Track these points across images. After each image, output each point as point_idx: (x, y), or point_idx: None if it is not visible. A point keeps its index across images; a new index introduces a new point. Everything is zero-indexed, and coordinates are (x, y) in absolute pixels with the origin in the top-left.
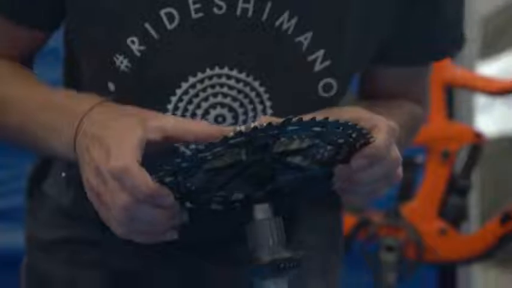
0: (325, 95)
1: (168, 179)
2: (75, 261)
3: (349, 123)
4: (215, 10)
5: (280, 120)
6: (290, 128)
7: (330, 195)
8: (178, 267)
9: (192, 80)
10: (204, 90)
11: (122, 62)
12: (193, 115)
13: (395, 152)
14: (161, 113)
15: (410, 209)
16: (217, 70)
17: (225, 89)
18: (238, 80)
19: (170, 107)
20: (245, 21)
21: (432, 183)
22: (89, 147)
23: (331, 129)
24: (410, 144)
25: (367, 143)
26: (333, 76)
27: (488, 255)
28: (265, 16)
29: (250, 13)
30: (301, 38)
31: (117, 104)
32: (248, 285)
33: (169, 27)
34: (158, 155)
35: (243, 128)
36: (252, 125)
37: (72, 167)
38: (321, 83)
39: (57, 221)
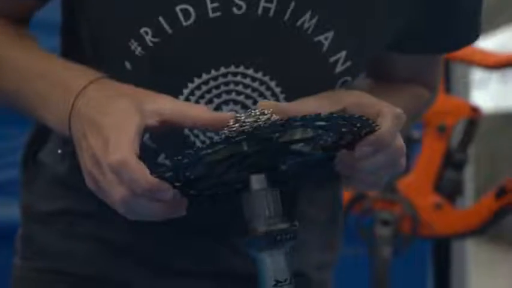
0: (339, 88)
1: (167, 174)
2: (71, 234)
3: (354, 116)
4: (234, 10)
5: (281, 106)
6: (294, 124)
7: (330, 172)
8: (176, 243)
9: (205, 76)
10: (217, 87)
11: (136, 48)
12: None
13: (400, 141)
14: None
15: (406, 184)
16: (232, 68)
17: (239, 87)
18: (254, 79)
19: (182, 98)
20: (266, 20)
21: (428, 157)
22: (86, 134)
23: (335, 122)
24: (411, 125)
25: (372, 130)
26: (352, 75)
27: (483, 229)
28: (287, 16)
29: (271, 13)
30: (321, 38)
31: (113, 81)
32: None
33: (184, 23)
34: (167, 137)
35: (242, 116)
36: (253, 112)
37: (68, 144)
38: (339, 82)
39: (53, 191)
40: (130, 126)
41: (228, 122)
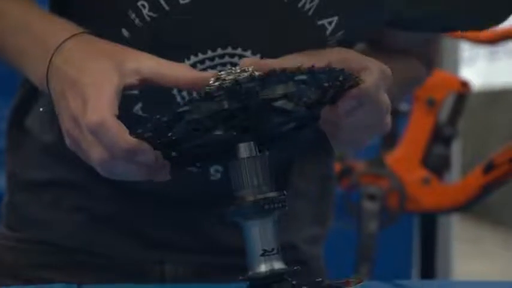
0: None
1: (147, 135)
2: (58, 205)
3: (335, 69)
4: None
5: (262, 62)
6: (274, 78)
7: (320, 142)
8: (160, 214)
9: (201, 55)
10: (213, 67)
11: (135, 19)
12: None
13: (385, 97)
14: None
15: (393, 158)
16: (229, 50)
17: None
18: None
19: None
20: (265, 1)
21: (416, 132)
22: (65, 94)
23: (317, 76)
24: (402, 97)
25: (355, 84)
26: (345, 46)
27: (470, 204)
28: None
29: None
30: (324, 22)
31: (93, 37)
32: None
33: (181, 1)
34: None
35: (223, 74)
36: (233, 70)
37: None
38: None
39: (40, 160)
40: (109, 86)
41: (209, 80)
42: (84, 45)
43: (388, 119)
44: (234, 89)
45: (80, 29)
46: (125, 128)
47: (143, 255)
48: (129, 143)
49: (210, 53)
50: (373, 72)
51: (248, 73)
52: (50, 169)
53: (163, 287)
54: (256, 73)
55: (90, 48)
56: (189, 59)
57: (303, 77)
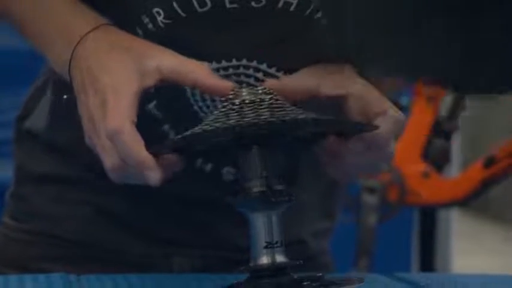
0: None
1: (165, 151)
2: (63, 199)
3: (355, 123)
4: (253, 3)
5: (283, 86)
6: (293, 125)
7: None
8: (166, 211)
9: (215, 65)
10: (227, 77)
11: (148, 24)
12: (213, 100)
13: (393, 147)
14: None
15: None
16: (244, 62)
17: (251, 80)
18: (266, 74)
19: None
20: (286, 14)
21: (417, 125)
22: (86, 89)
23: (335, 126)
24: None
25: (369, 130)
26: None
27: (470, 199)
28: (308, 10)
29: (293, 7)
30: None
31: (115, 29)
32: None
33: (199, 10)
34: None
35: (244, 92)
36: (254, 90)
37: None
38: None
39: (44, 156)
40: (129, 90)
41: (228, 94)
42: (107, 38)
43: (386, 164)
44: (255, 128)
45: (104, 20)
46: (140, 138)
47: (149, 250)
48: (141, 157)
49: (224, 63)
50: (389, 120)
51: (269, 97)
52: (54, 164)
53: (163, 277)
54: (277, 98)
55: (113, 42)
56: None
57: (321, 128)
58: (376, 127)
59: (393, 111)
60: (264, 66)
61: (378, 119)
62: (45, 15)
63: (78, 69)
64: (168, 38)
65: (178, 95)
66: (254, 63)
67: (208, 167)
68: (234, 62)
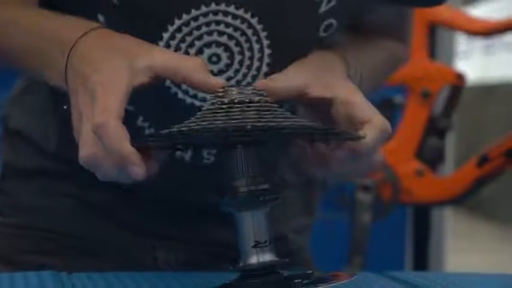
0: (324, 34)
1: (149, 144)
2: (47, 192)
3: (340, 132)
4: None
5: (272, 86)
6: (280, 131)
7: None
8: (149, 206)
9: (185, 17)
10: (198, 28)
11: None
12: (186, 54)
13: (379, 156)
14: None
15: (387, 150)
16: (213, 6)
17: (221, 27)
18: (235, 17)
19: (162, 44)
20: None
21: (411, 123)
22: (77, 91)
23: (321, 133)
24: (384, 81)
25: (355, 139)
26: (336, 17)
27: (464, 197)
28: None
29: None
30: None
31: (107, 30)
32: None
33: None
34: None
35: (234, 90)
36: (245, 90)
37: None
38: (323, 24)
39: (28, 151)
40: (118, 87)
41: (217, 89)
42: (98, 41)
43: (369, 172)
44: (241, 132)
45: (94, 24)
46: (125, 133)
47: (134, 242)
48: (125, 151)
49: (194, 12)
50: (375, 128)
51: (259, 98)
52: (39, 159)
53: (154, 275)
54: (266, 99)
55: (105, 44)
56: (173, 23)
57: (308, 133)
58: (362, 137)
59: (379, 120)
60: (232, 9)
61: (363, 127)
62: (35, 31)
63: (72, 75)
64: (131, 4)
65: (164, 104)
66: (222, 7)
67: (188, 154)
68: (204, 9)
